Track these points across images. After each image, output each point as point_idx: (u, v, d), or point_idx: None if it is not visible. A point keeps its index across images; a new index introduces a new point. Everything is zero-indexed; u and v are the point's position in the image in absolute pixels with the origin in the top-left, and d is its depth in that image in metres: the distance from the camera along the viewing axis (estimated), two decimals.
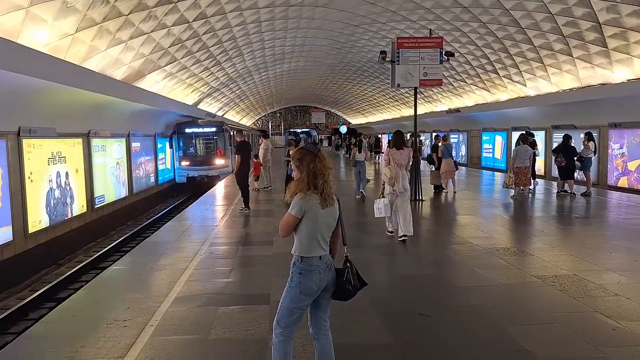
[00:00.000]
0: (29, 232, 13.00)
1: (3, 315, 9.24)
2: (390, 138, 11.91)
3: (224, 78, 30.78)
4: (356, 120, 67.79)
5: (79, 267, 12.74)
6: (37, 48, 11.97)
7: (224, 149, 28.19)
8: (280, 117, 73.03)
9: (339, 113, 72.35)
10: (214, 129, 28.65)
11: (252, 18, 21.30)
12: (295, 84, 47.69)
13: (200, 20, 18.76)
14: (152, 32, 17.07)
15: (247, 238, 9.93)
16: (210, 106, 35.48)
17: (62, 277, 11.90)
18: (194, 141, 28.40)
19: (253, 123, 69.63)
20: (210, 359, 4.54)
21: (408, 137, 23.80)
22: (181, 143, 28.19)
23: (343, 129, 63.23)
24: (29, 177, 13.02)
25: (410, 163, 9.54)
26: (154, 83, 21.57)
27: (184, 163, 27.81)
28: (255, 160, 17.95)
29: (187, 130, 28.05)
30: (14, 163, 12.45)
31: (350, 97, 53.81)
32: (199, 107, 31.07)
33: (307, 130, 75.04)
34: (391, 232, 9.56)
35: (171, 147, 27.98)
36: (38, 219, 13.48)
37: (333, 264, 3.83)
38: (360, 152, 16.47)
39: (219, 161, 27.97)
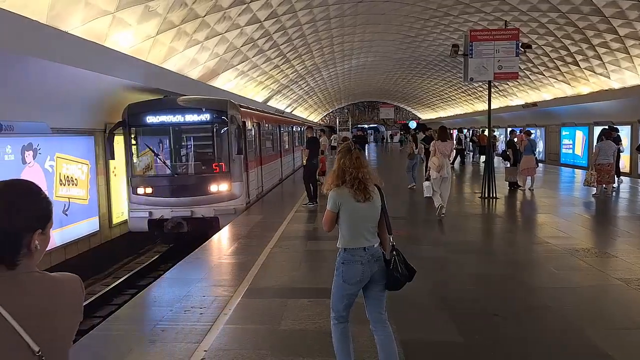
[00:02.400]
0: (114, 223, 13.88)
1: (90, 300, 9.90)
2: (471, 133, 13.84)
3: (293, 75, 31.21)
4: (426, 115, 66.55)
5: (156, 257, 13.40)
6: (121, 50, 12.69)
7: (230, 156, 12.83)
8: (348, 112, 72.96)
9: (408, 108, 71.32)
10: (207, 116, 12.92)
11: (321, 15, 21.45)
12: (364, 80, 47.50)
13: (271, 19, 19.13)
14: (226, 32, 17.62)
15: (315, 233, 10.06)
16: (280, 103, 36.11)
17: (142, 265, 12.55)
18: (164, 143, 13.87)
19: (321, 119, 70.15)
20: (281, 348, 4.65)
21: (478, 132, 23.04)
22: (137, 147, 13.35)
23: (412, 124, 62.30)
24: (113, 172, 13.86)
25: (453, 153, 13.03)
26: (226, 81, 22.25)
27: (141, 191, 12.84)
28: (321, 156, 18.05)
29: (150, 119, 12.75)
30: (101, 158, 13.31)
31: (420, 91, 52.89)
32: (268, 104, 31.62)
33: (375, 125, 74.49)
34: (442, 215, 11.00)
35: (111, 156, 12.62)
36: (120, 211, 14.32)
37: (382, 256, 3.89)
38: (416, 147, 16.66)
39: (217, 186, 12.75)
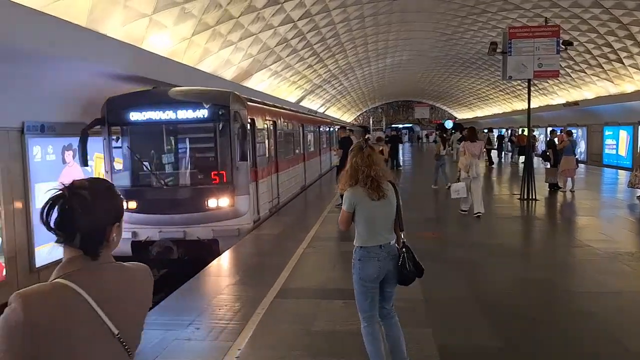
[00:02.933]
0: None
1: None
2: (500, 133, 14.03)
3: (326, 75, 31.18)
4: (463, 114, 65.51)
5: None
6: (158, 52, 12.89)
7: (233, 163, 10.17)
8: (382, 112, 72.48)
9: (444, 107, 70.38)
10: (204, 112, 10.12)
11: (355, 14, 21.35)
12: (398, 79, 47.09)
13: (304, 19, 19.15)
14: (259, 32, 17.72)
15: (348, 234, 9.95)
16: (313, 102, 36.14)
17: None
18: (151, 145, 11.10)
19: (354, 119, 69.89)
20: (314, 349, 4.60)
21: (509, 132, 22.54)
22: (120, 150, 10.76)
23: (448, 124, 61.41)
24: None
25: (483, 153, 12.27)
26: (259, 82, 22.39)
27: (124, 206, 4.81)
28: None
29: (134, 116, 10.25)
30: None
31: (457, 90, 52.09)
32: (301, 104, 31.67)
33: (410, 125, 73.71)
34: (464, 211, 11.42)
35: (84, 162, 9.87)
36: None
37: (397, 254, 3.91)
38: (444, 148, 16.86)
39: (216, 201, 10.12)
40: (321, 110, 39.65)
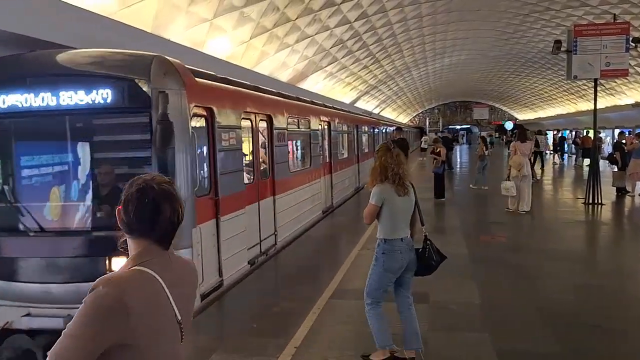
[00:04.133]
0: None
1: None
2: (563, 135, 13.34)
3: (382, 75, 31.05)
4: (524, 115, 63.43)
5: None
6: (218, 56, 13.27)
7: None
8: (439, 113, 71.25)
9: (504, 108, 68.42)
10: (106, 91, 5.05)
11: (413, 14, 21.16)
12: (456, 79, 46.23)
13: (361, 20, 19.16)
14: (315, 34, 17.90)
15: None
16: (368, 104, 36.04)
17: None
18: (11, 157, 5.68)
19: (409, 120, 69.06)
20: (368, 350, 4.60)
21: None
22: None
23: (509, 125, 59.68)
24: None
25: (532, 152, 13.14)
26: (314, 84, 22.57)
27: None
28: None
29: None
30: None
31: (517, 90, 50.57)
32: (355, 105, 31.62)
33: (468, 126, 72.01)
34: (509, 210, 11.62)
35: None
36: None
37: (413, 245, 4.28)
38: (486, 149, 17.20)
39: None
40: (376, 111, 39.48)
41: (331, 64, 22.24)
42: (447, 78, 44.67)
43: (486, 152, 16.98)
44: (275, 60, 17.32)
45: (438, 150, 14.33)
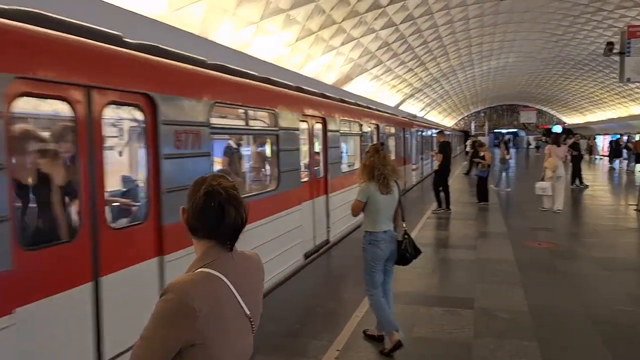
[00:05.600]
0: None
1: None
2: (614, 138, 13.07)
3: (427, 78, 30.73)
4: (572, 119, 61.43)
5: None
6: (264, 58, 13.47)
7: None
8: (485, 116, 69.79)
9: (551, 112, 66.43)
10: None
11: (459, 16, 20.88)
12: (503, 82, 45.24)
13: (407, 22, 19.05)
14: (361, 37, 17.91)
15: (447, 241, 9.77)
16: (413, 106, 35.72)
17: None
18: None
19: (455, 123, 67.95)
20: (411, 355, 4.60)
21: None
22: None
23: (557, 129, 57.89)
24: None
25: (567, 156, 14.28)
26: (360, 86, 22.56)
27: None
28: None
29: None
30: None
31: (566, 94, 49.06)
32: (400, 107, 31.40)
33: (515, 130, 70.23)
34: (545, 209, 12.44)
35: None
36: None
37: (396, 237, 4.75)
38: (507, 153, 18.36)
39: None
40: (421, 114, 39.08)
41: (376, 66, 22.19)
42: (494, 81, 43.78)
43: (507, 157, 18.07)
44: (320, 63, 17.43)
45: (482, 154, 14.12)
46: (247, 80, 6.32)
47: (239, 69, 6.22)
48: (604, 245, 9.02)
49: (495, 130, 68.23)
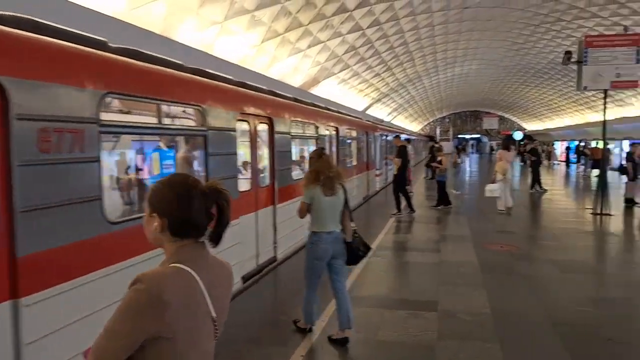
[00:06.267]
0: None
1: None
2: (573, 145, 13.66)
3: (393, 83, 31.06)
4: (532, 126, 63.20)
5: None
6: (228, 59, 13.32)
7: None
8: (449, 122, 71.15)
9: (513, 118, 68.19)
10: None
11: (424, 22, 21.19)
12: (467, 88, 46.19)
13: (373, 27, 19.20)
14: (328, 40, 17.95)
15: (412, 244, 9.85)
16: (380, 111, 36.05)
17: None
18: None
19: (421, 129, 68.99)
20: (376, 358, 4.59)
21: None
22: None
23: (518, 135, 59.48)
24: None
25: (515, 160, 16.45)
26: (327, 90, 22.61)
27: None
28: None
29: None
30: None
31: (527, 101, 50.47)
32: (367, 112, 31.61)
33: (478, 136, 71.87)
34: (502, 211, 13.21)
35: None
36: None
37: (342, 238, 4.92)
38: (459, 158, 20.14)
39: None
40: (388, 119, 39.47)
41: (343, 70, 22.27)
42: (458, 87, 44.64)
43: (459, 161, 19.59)
44: (287, 65, 17.38)
45: (440, 159, 14.40)
46: (161, 68, 5.09)
47: (149, 52, 5.06)
48: (562, 247, 9.26)
49: (460, 136, 69.69)
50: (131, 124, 4.82)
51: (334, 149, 12.56)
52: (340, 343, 4.80)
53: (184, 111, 5.66)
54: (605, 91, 13.57)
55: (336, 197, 4.86)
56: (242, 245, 6.56)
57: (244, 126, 7.11)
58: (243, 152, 7.23)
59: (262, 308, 6.11)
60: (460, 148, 19.93)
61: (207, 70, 6.30)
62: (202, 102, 5.67)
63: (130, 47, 4.77)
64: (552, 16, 21.40)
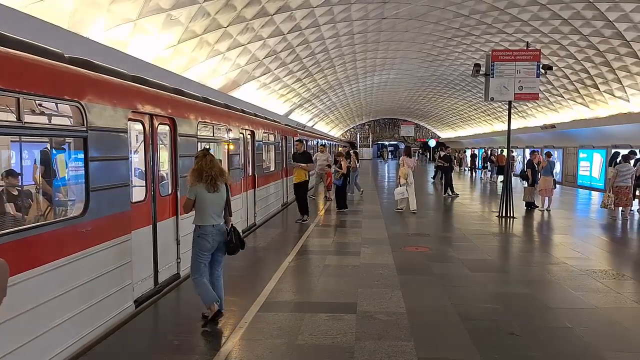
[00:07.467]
0: None
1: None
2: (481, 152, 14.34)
3: (315, 89, 31.39)
4: (445, 134, 66.40)
5: None
6: (143, 58, 12.84)
7: None
8: (369, 129, 73.14)
9: (428, 126, 71.24)
10: None
11: (344, 30, 21.62)
12: (385, 96, 47.63)
13: (294, 32, 19.32)
14: (248, 43, 17.82)
15: (333, 248, 10.01)
16: (301, 116, 36.29)
17: None
18: None
19: (342, 134, 70.29)
20: None
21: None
22: None
23: (432, 143, 62.26)
24: None
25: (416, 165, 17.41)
26: (247, 93, 22.44)
27: None
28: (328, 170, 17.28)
29: None
30: None
31: (441, 110, 52.86)
32: (289, 117, 31.68)
33: (396, 142, 74.50)
34: (399, 209, 14.87)
35: None
36: None
37: (225, 231, 5.50)
38: (358, 162, 20.79)
39: None
40: (309, 124, 39.81)
41: (264, 74, 22.20)
42: (377, 95, 45.92)
43: (357, 165, 20.42)
44: (206, 67, 17.06)
45: (339, 163, 14.89)
46: (25, 54, 4.24)
47: (6, 33, 4.20)
48: (471, 248, 9.81)
49: (379, 142, 71.88)
50: None
51: (249, 153, 12.00)
52: (214, 319, 5.38)
53: (56, 107, 4.93)
54: (509, 102, 14.54)
55: (219, 193, 5.40)
56: (135, 263, 5.91)
57: (137, 126, 6.42)
58: (139, 157, 6.56)
59: (157, 333, 5.69)
60: (353, 152, 19.54)
61: (89, 60, 5.47)
62: (81, 97, 4.85)
63: None
64: (462, 30, 22.57)
